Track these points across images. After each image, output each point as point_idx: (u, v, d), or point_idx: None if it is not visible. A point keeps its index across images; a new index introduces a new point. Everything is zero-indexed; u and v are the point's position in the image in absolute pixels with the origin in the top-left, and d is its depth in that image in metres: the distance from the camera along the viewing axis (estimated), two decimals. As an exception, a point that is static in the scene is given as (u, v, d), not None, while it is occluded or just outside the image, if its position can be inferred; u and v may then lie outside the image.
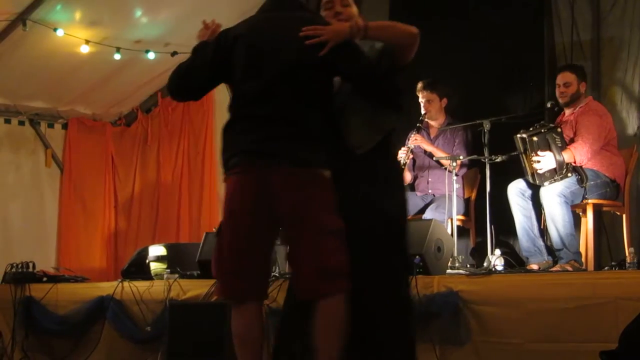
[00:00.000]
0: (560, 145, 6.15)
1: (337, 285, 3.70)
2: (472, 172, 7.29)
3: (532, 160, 6.12)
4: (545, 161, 6.10)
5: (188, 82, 4.13)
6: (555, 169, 6.10)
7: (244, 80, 3.91)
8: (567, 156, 6.12)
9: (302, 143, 3.80)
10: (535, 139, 6.17)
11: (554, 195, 6.03)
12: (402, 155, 7.01)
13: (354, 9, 4.10)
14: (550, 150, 6.12)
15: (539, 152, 6.10)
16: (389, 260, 3.90)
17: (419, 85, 7.21)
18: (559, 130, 6.26)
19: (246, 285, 3.84)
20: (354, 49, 3.85)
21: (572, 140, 6.26)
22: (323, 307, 3.73)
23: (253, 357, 3.83)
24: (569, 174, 6.10)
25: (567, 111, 6.49)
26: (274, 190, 3.74)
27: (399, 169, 4.19)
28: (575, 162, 6.15)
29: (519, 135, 6.26)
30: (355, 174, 3.92)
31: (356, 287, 3.74)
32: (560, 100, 6.45)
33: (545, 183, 6.10)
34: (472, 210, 7.22)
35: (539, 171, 6.10)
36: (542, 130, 6.20)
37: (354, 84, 3.92)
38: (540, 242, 6.31)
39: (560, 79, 6.45)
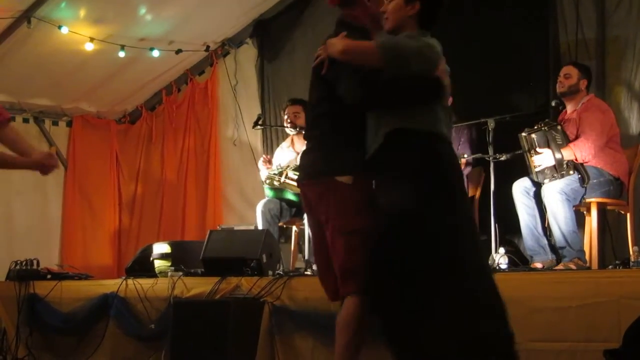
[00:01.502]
0: (560, 142, 6.16)
1: (350, 285, 3.86)
2: (477, 171, 7.28)
3: (532, 159, 6.15)
4: (543, 158, 6.13)
5: None
6: (554, 166, 6.11)
7: None
8: (566, 154, 6.13)
9: (318, 155, 4.15)
10: (533, 136, 6.22)
11: (555, 193, 6.03)
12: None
13: (391, 5, 4.08)
14: (549, 147, 6.14)
15: (537, 150, 6.13)
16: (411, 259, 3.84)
17: (424, 83, 7.19)
18: (559, 128, 6.27)
19: (326, 289, 4.21)
20: (337, 64, 3.99)
21: (577, 138, 6.26)
22: (344, 305, 3.99)
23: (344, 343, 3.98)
24: (571, 172, 6.10)
25: (569, 107, 6.50)
26: (307, 201, 4.23)
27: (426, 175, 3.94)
28: (576, 160, 6.15)
29: (523, 134, 6.28)
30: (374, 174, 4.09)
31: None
32: (558, 91, 6.51)
33: (545, 180, 6.13)
34: (476, 208, 7.21)
35: (538, 168, 6.13)
36: (543, 128, 6.22)
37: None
38: (545, 241, 6.31)
39: (563, 71, 6.55)
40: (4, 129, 4.91)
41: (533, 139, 6.20)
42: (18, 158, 4.91)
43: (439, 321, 3.78)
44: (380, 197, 3.98)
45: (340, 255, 3.95)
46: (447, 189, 3.93)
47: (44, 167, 4.87)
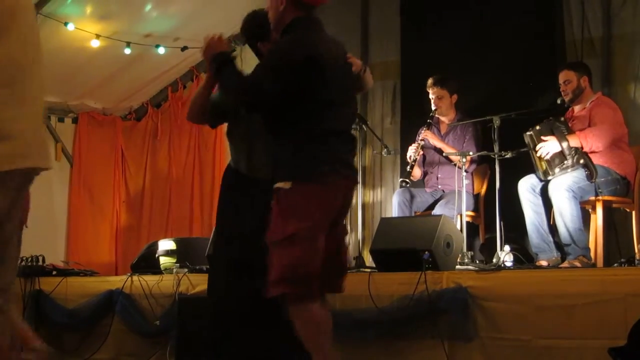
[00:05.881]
0: (564, 132, 6.18)
1: (276, 291, 3.93)
2: (482, 168, 7.28)
3: (537, 149, 6.15)
4: (549, 145, 6.14)
5: None
6: (562, 152, 6.11)
7: None
8: (572, 141, 6.13)
9: None
10: (538, 127, 6.26)
11: (562, 190, 6.03)
12: (412, 151, 7.03)
13: None
14: (553, 135, 6.15)
15: (542, 138, 6.15)
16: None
17: (430, 81, 7.21)
18: (562, 119, 6.29)
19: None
20: None
21: (586, 131, 6.28)
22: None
23: (329, 342, 4.05)
24: (581, 160, 6.09)
25: (577, 107, 6.50)
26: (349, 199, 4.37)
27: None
28: (583, 148, 6.15)
29: (528, 133, 6.29)
30: None
31: None
32: (565, 98, 6.50)
33: (556, 170, 6.11)
34: (482, 206, 7.22)
35: (546, 157, 6.13)
36: (548, 121, 6.26)
37: None
38: (550, 239, 6.30)
39: (560, 78, 6.54)
40: None
41: (536, 130, 6.25)
42: None
43: None
44: None
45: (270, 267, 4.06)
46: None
47: None
